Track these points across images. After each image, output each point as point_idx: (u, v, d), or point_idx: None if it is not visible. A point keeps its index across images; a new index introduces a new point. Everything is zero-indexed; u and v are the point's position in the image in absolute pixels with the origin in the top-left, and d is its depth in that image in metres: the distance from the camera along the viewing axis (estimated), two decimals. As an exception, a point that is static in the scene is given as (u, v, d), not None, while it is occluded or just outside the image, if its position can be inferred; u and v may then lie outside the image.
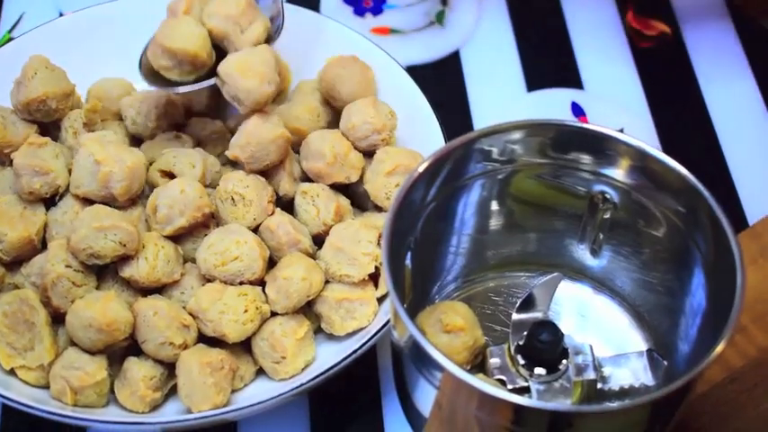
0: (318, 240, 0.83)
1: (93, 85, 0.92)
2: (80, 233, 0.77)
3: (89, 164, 0.80)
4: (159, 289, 0.81)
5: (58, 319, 0.79)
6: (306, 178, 0.86)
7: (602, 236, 0.77)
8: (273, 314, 0.80)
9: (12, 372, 0.78)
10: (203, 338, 0.79)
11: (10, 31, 1.07)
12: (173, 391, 0.79)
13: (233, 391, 0.79)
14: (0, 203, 0.82)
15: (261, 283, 0.80)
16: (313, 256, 0.82)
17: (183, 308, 0.79)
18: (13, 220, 0.81)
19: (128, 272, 0.79)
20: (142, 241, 0.79)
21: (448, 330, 0.74)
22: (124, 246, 0.78)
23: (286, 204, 0.85)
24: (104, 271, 0.81)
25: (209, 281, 0.80)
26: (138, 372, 0.77)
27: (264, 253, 0.80)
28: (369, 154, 0.86)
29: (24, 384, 0.78)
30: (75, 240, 0.77)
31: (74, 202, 0.82)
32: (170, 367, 0.78)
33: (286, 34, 0.95)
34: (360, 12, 1.08)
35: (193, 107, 0.92)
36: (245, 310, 0.78)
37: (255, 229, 0.82)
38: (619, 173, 0.74)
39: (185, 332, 0.77)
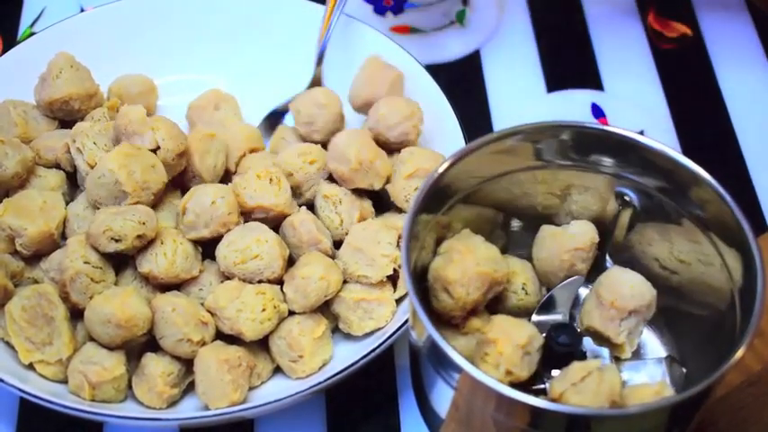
0: (338, 243, 0.83)
1: (114, 83, 0.92)
2: (99, 218, 0.78)
3: (113, 188, 0.79)
4: (178, 285, 0.81)
5: (76, 314, 0.79)
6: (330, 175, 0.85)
7: (621, 238, 0.77)
8: (291, 313, 0.80)
9: (30, 366, 0.79)
10: (221, 336, 0.79)
11: (31, 26, 1.07)
12: (190, 388, 0.79)
13: (250, 389, 0.79)
14: (20, 197, 0.82)
15: (279, 282, 0.80)
16: (332, 257, 0.82)
17: (202, 305, 0.79)
18: (33, 214, 0.81)
19: (146, 267, 0.79)
20: (161, 237, 0.79)
21: (465, 333, 0.74)
22: (143, 224, 0.77)
23: (305, 203, 0.85)
24: (123, 268, 0.81)
25: (227, 278, 0.80)
26: (156, 368, 0.77)
27: (284, 252, 0.80)
28: (397, 150, 0.86)
29: (42, 379, 0.79)
30: (95, 226, 0.77)
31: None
32: (187, 364, 0.78)
33: (305, 32, 0.95)
34: (380, 10, 1.08)
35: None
36: (263, 309, 0.78)
37: (276, 229, 0.82)
38: (639, 175, 0.73)
39: (203, 329, 0.78)
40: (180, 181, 0.84)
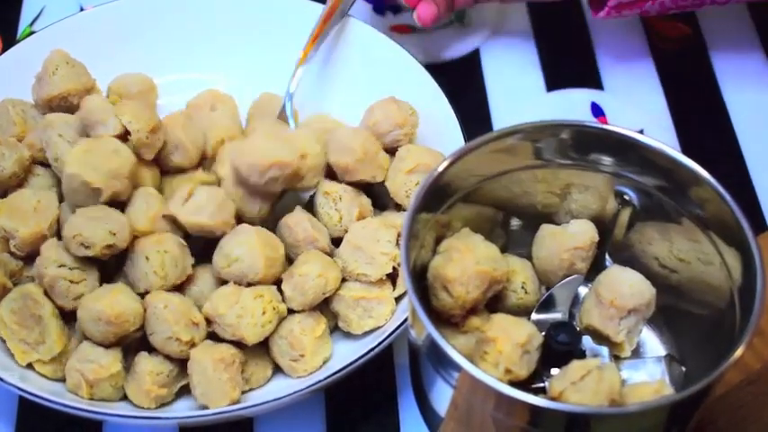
0: (337, 240, 0.83)
1: (113, 82, 0.92)
2: (72, 221, 0.77)
3: (84, 188, 0.78)
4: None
5: (69, 316, 0.79)
6: (329, 172, 0.85)
7: (621, 237, 0.77)
8: (290, 312, 0.80)
9: (29, 365, 0.79)
10: (211, 336, 0.79)
11: (31, 25, 1.07)
12: (186, 389, 0.79)
13: (250, 389, 0.79)
14: (14, 198, 0.82)
15: (271, 283, 0.80)
16: (330, 255, 0.81)
17: (197, 305, 0.79)
18: (26, 215, 0.80)
19: (141, 287, 0.79)
20: (144, 251, 0.78)
21: (464, 331, 0.74)
22: (114, 235, 0.77)
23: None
24: (120, 267, 0.81)
25: (223, 282, 0.80)
26: (146, 366, 0.77)
27: (270, 252, 0.79)
28: (391, 152, 0.86)
29: (41, 377, 0.79)
30: (68, 228, 0.77)
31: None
32: (180, 365, 0.78)
33: (305, 31, 0.95)
34: (380, 10, 1.08)
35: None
36: (263, 312, 0.77)
37: (271, 229, 0.82)
38: (638, 174, 0.73)
39: (194, 330, 0.77)
40: (157, 160, 0.84)
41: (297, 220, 0.81)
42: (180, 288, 0.80)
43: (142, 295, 0.79)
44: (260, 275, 0.79)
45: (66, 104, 0.86)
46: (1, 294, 0.79)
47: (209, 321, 0.78)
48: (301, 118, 0.94)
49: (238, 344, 0.78)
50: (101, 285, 0.79)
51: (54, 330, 0.78)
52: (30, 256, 0.82)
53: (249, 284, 0.79)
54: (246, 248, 0.78)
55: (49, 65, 0.86)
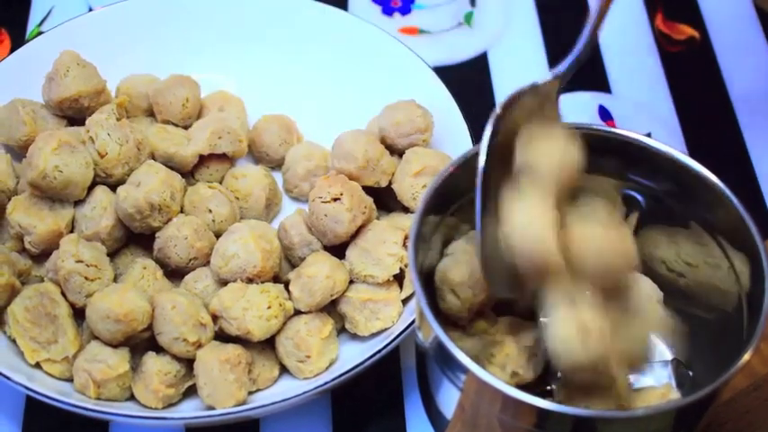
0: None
1: (122, 82, 0.92)
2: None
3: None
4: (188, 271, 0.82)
5: (78, 313, 0.79)
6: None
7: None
8: (297, 313, 0.80)
9: (37, 364, 0.79)
10: (219, 338, 0.79)
11: (39, 25, 1.07)
12: (192, 390, 0.79)
13: (256, 390, 0.79)
14: (31, 197, 0.82)
15: (276, 280, 0.81)
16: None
17: (205, 306, 0.79)
18: (43, 212, 0.81)
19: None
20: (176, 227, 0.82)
21: (471, 334, 0.74)
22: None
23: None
24: (131, 259, 0.82)
25: (225, 284, 0.80)
26: (154, 365, 0.77)
27: (265, 245, 0.80)
28: (400, 154, 0.86)
29: (49, 377, 0.79)
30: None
31: (102, 197, 0.82)
32: (188, 365, 0.78)
33: (313, 33, 0.95)
34: (388, 11, 1.08)
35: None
36: (269, 306, 0.78)
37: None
38: (646, 178, 0.73)
39: (201, 330, 0.77)
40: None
41: (292, 223, 0.82)
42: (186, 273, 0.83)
43: (160, 263, 0.82)
44: (258, 268, 0.79)
45: (77, 106, 0.86)
46: (10, 294, 0.79)
47: (215, 319, 0.78)
48: (305, 121, 0.94)
49: (245, 344, 0.78)
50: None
51: (70, 330, 0.78)
52: (42, 255, 0.82)
53: (251, 280, 0.79)
54: (241, 244, 0.79)
55: (60, 66, 0.86)
